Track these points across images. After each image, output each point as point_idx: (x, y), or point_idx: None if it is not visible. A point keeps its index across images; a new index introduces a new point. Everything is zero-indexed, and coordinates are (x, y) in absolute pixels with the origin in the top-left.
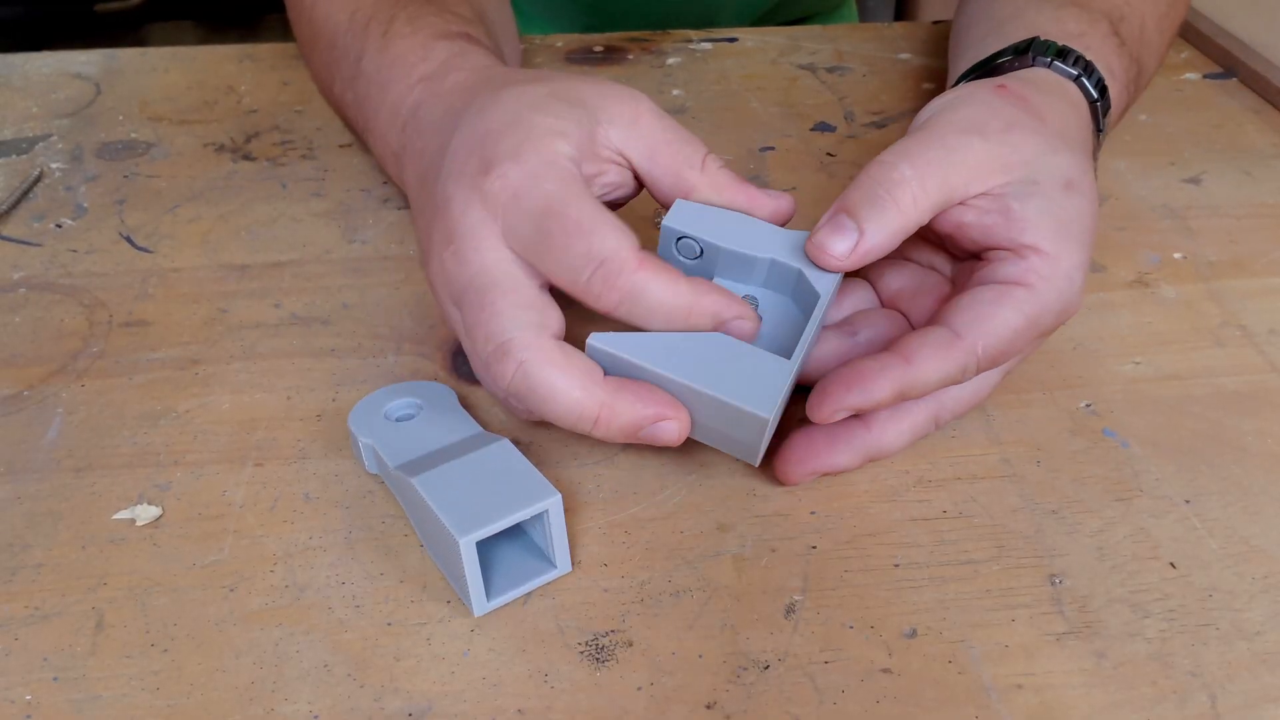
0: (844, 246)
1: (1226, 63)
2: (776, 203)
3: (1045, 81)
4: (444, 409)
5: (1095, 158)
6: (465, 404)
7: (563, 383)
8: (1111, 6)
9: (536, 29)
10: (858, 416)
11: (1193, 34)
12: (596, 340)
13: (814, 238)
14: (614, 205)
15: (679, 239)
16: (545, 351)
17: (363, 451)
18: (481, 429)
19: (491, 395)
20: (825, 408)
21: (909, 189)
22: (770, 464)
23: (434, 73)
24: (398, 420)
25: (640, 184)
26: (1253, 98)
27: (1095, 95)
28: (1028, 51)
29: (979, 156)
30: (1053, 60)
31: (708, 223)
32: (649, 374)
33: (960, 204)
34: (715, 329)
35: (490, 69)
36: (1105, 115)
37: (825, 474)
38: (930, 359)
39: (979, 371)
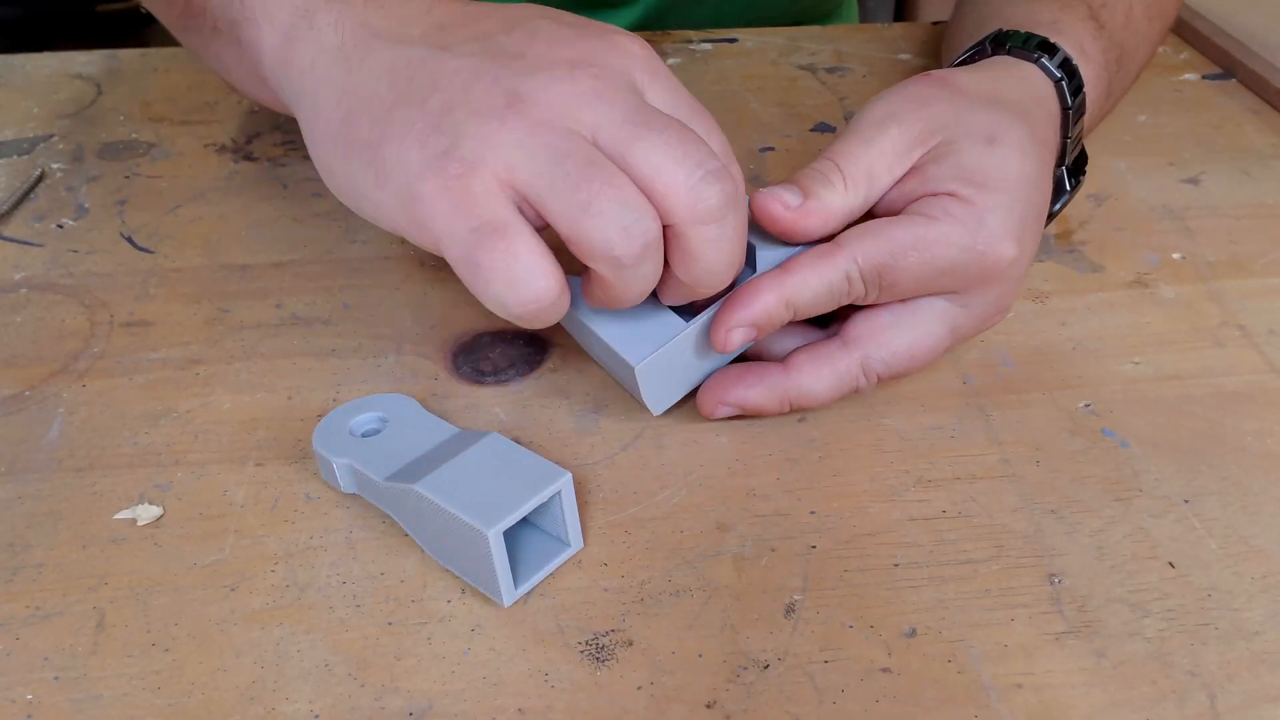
0: (793, 198)
1: (1225, 63)
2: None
3: (999, 65)
4: (411, 417)
5: (1070, 136)
6: (470, 405)
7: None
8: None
9: None
10: (780, 362)
11: (1192, 34)
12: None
13: (761, 192)
14: None
15: None
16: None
17: (337, 472)
18: (459, 429)
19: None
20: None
21: (839, 178)
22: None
23: None
24: (364, 436)
25: None
26: (1252, 98)
27: (1058, 75)
28: (997, 43)
29: (894, 139)
30: (1011, 47)
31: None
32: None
33: (891, 191)
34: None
35: None
36: (1078, 95)
37: (744, 411)
38: (808, 266)
39: (869, 286)
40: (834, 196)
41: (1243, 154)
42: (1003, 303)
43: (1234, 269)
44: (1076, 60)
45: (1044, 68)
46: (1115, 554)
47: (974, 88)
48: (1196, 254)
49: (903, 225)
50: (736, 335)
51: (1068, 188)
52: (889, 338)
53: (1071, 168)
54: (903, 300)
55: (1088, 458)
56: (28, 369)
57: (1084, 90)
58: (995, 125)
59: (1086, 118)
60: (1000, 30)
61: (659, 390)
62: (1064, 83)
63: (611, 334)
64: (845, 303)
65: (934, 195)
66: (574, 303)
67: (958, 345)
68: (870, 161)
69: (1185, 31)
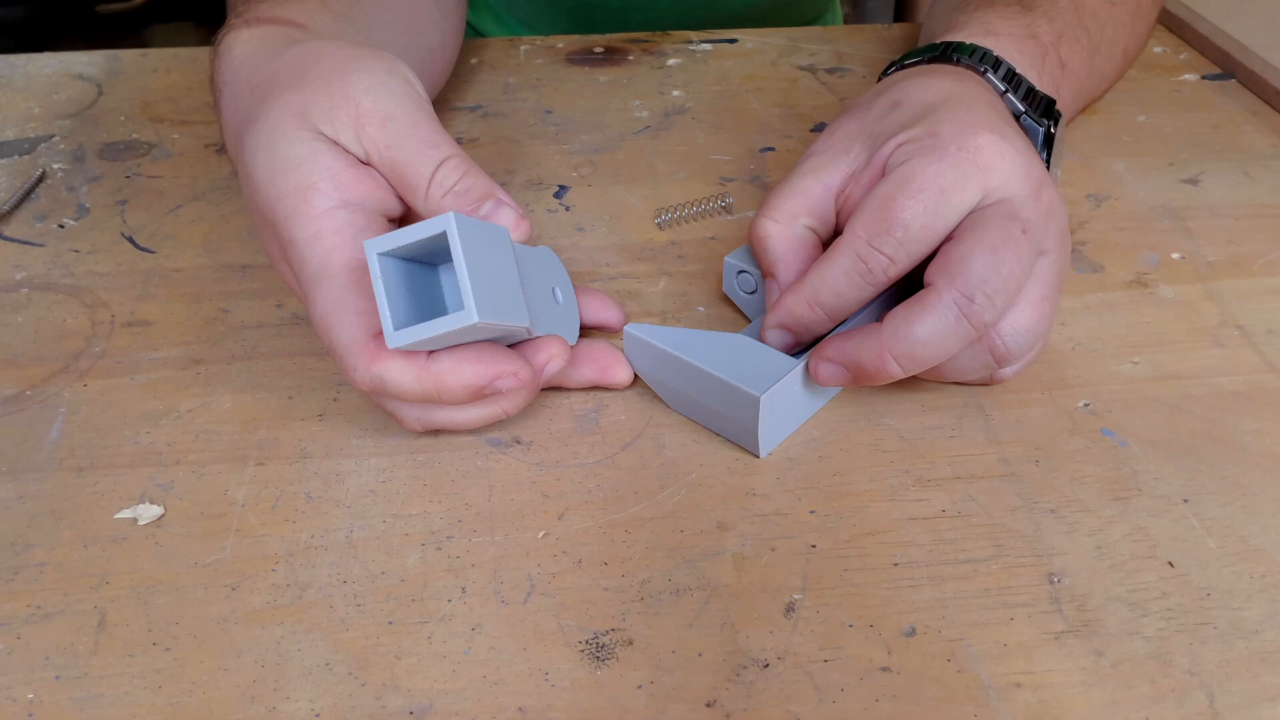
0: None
1: (1225, 64)
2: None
3: (933, 67)
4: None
5: (1010, 92)
6: None
7: (395, 373)
8: None
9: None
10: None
11: (1191, 35)
12: (632, 329)
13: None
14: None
15: (739, 272)
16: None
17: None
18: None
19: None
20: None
21: (769, 220)
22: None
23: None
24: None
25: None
26: (1251, 99)
27: (980, 68)
28: (901, 67)
29: (811, 166)
30: (907, 63)
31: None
32: (670, 358)
33: (849, 189)
34: (479, 395)
35: (266, 66)
36: (1009, 74)
37: (847, 367)
38: (819, 263)
39: (885, 251)
40: (771, 227)
41: (1242, 154)
42: (1034, 182)
43: (1233, 269)
44: (975, 41)
45: (946, 59)
46: (1114, 553)
47: (878, 94)
48: (1196, 254)
49: (878, 185)
50: (773, 338)
51: (1039, 127)
52: (959, 256)
53: (1042, 112)
54: (944, 240)
55: (1087, 457)
56: (29, 369)
57: (1000, 59)
58: (894, 93)
59: (1036, 75)
60: (904, 54)
61: (772, 426)
62: (986, 72)
63: (726, 371)
64: (878, 283)
65: (882, 167)
66: (661, 352)
67: (1044, 249)
68: (790, 188)
69: (1185, 32)
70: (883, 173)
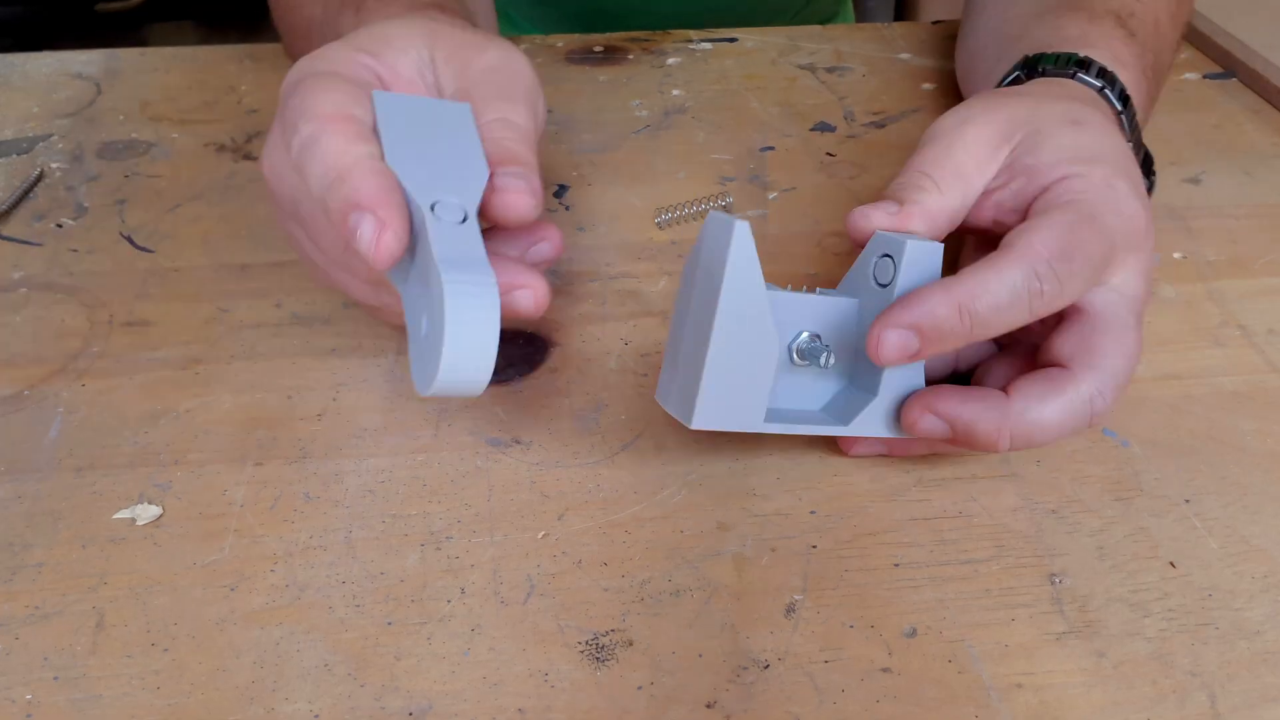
0: (891, 207)
1: (1226, 63)
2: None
3: (1042, 84)
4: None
5: (1129, 139)
6: (470, 404)
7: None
8: (1119, 4)
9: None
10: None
11: (1193, 34)
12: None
13: (855, 210)
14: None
15: (884, 255)
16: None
17: None
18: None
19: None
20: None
21: (930, 182)
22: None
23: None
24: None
25: None
26: (1252, 98)
27: (1098, 85)
28: (1029, 68)
29: (975, 137)
30: (1044, 69)
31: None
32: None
33: (987, 193)
34: (346, 216)
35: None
36: (1125, 100)
37: (954, 429)
38: (983, 268)
39: (1054, 279)
40: (930, 198)
41: (1243, 154)
42: (1149, 275)
43: (1234, 269)
44: (1113, 69)
45: (1083, 81)
46: (1116, 554)
47: (1038, 93)
48: (1197, 253)
49: (1054, 213)
50: (891, 338)
51: (1145, 184)
52: (1104, 349)
53: (1142, 167)
54: (1078, 310)
55: (1088, 457)
56: (27, 368)
57: (1128, 93)
58: (1073, 111)
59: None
60: (1027, 56)
61: (721, 398)
62: (1106, 90)
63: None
64: (1038, 312)
65: (1050, 187)
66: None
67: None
68: (956, 162)
69: (1186, 31)
70: (1040, 191)
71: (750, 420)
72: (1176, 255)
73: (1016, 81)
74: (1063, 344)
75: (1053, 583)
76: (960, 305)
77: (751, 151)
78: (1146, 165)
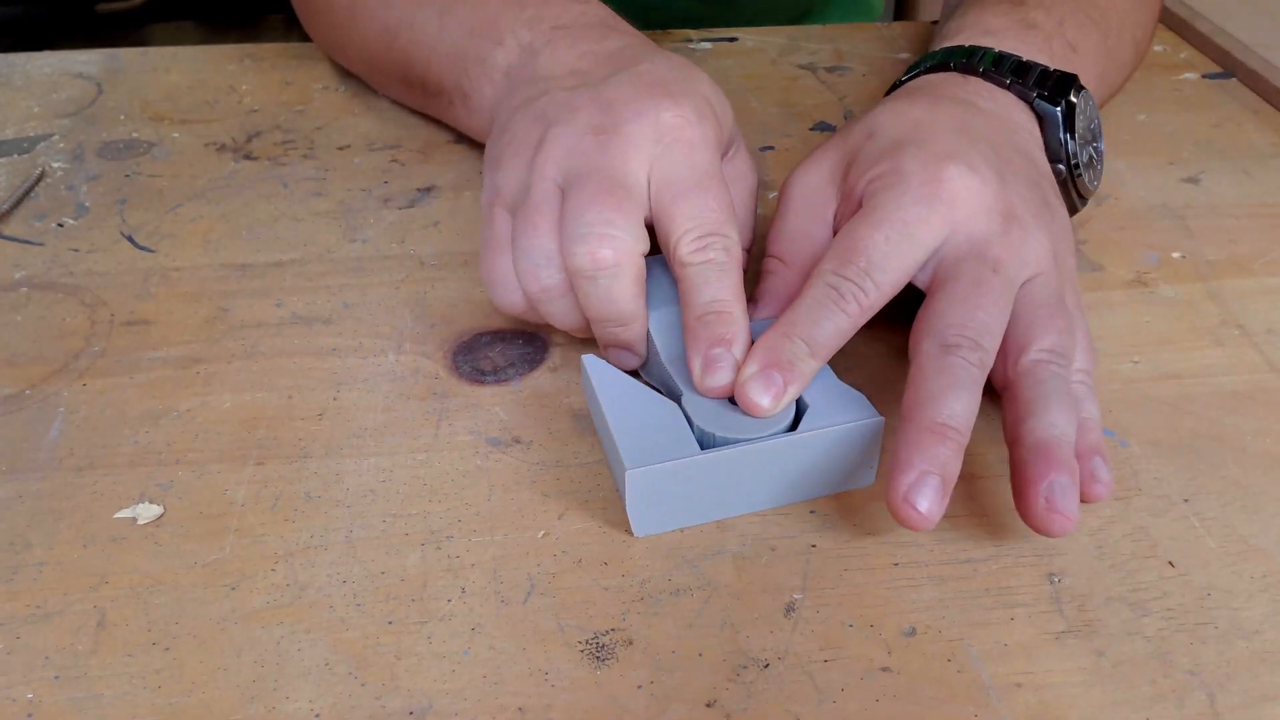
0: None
1: (1226, 63)
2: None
3: (911, 86)
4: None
5: (1008, 80)
6: (470, 404)
7: (632, 291)
8: None
9: None
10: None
11: (1192, 34)
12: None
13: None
14: None
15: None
16: (635, 261)
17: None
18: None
19: (528, 258)
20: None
21: (775, 263)
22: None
23: (593, 19)
24: None
25: None
26: (1252, 97)
27: (981, 67)
28: (933, 67)
29: (806, 190)
30: (911, 75)
31: None
32: (593, 396)
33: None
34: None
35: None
36: (1018, 66)
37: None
38: (799, 300)
39: (855, 279)
40: (778, 282)
41: (1243, 153)
42: (1000, 215)
43: (1234, 268)
44: (974, 43)
45: (965, 69)
46: (1115, 553)
47: (890, 101)
48: (1196, 253)
49: (848, 223)
50: (756, 384)
51: (1054, 107)
52: (937, 311)
53: (1059, 90)
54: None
55: None
56: (28, 368)
57: (990, 51)
58: (869, 122)
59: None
60: (904, 75)
61: (653, 508)
62: (988, 72)
63: (623, 428)
64: (851, 311)
65: (858, 197)
66: (595, 382)
67: (1028, 276)
68: (794, 227)
69: (1185, 31)
70: (857, 209)
71: (683, 450)
72: (1176, 255)
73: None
74: (911, 336)
75: (1051, 582)
76: (784, 332)
77: (752, 151)
78: (1061, 87)
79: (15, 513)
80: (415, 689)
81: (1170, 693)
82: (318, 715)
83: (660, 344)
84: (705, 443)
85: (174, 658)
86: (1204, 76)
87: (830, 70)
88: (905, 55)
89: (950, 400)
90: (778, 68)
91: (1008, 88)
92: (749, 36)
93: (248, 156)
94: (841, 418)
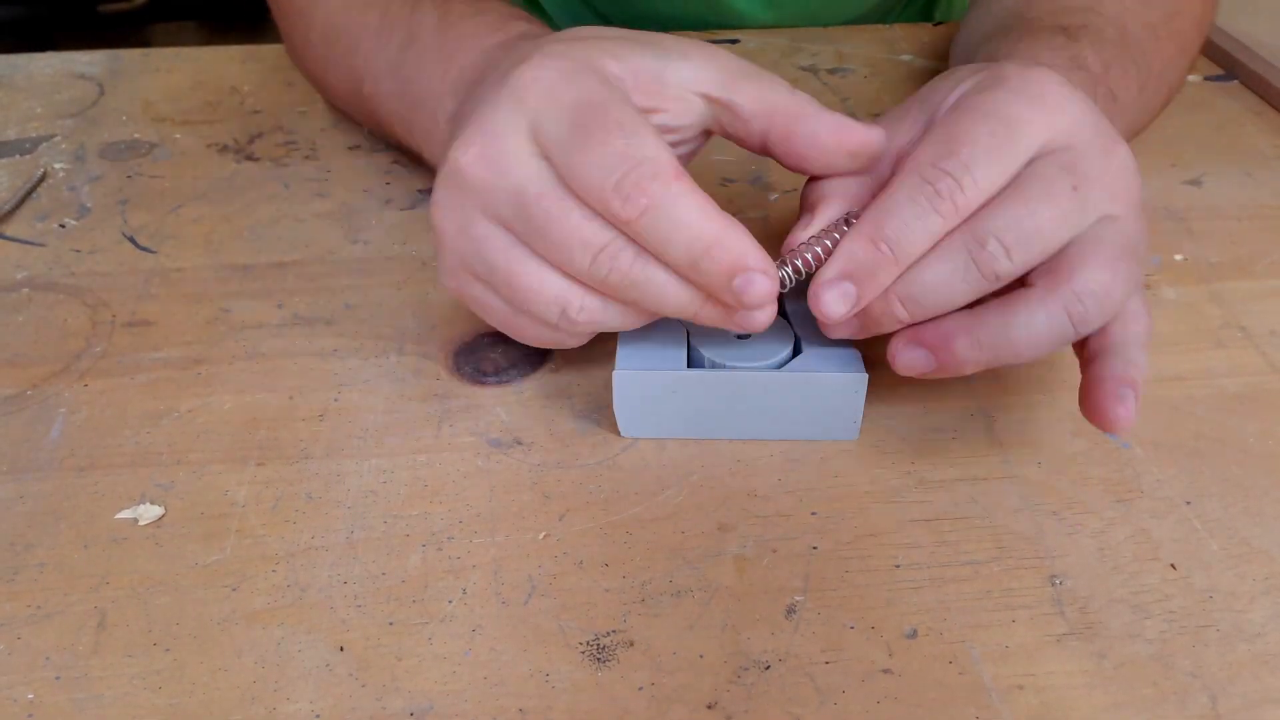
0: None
1: (1227, 64)
2: (866, 135)
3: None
4: None
5: None
6: (471, 405)
7: (698, 202)
8: (1069, 19)
9: None
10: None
11: None
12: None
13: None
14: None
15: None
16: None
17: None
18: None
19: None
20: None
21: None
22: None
23: (507, 40)
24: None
25: (706, 136)
26: (1253, 99)
27: None
28: None
29: (882, 121)
30: None
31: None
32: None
33: (901, 155)
34: (731, 278)
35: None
36: None
37: (935, 353)
38: (882, 197)
39: (951, 179)
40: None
41: (1244, 155)
42: (1104, 137)
43: (1236, 270)
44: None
45: None
46: (1117, 555)
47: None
48: (1198, 255)
49: (935, 124)
50: (829, 295)
51: None
52: (994, 205)
53: None
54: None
55: (1089, 459)
56: (29, 368)
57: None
58: (949, 79)
59: None
60: None
61: (640, 410)
62: None
63: (627, 337)
64: (946, 211)
65: (940, 111)
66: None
67: (1109, 212)
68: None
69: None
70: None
71: (672, 365)
72: (1178, 257)
73: None
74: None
75: (1053, 584)
76: (870, 236)
77: (752, 153)
78: None
79: (16, 513)
80: (416, 690)
81: (1172, 695)
82: (318, 716)
83: None
84: (696, 362)
85: (174, 658)
86: (1206, 78)
87: (832, 72)
88: (907, 57)
89: (939, 292)
90: (780, 69)
91: None
92: (750, 38)
93: (249, 157)
94: (826, 366)
